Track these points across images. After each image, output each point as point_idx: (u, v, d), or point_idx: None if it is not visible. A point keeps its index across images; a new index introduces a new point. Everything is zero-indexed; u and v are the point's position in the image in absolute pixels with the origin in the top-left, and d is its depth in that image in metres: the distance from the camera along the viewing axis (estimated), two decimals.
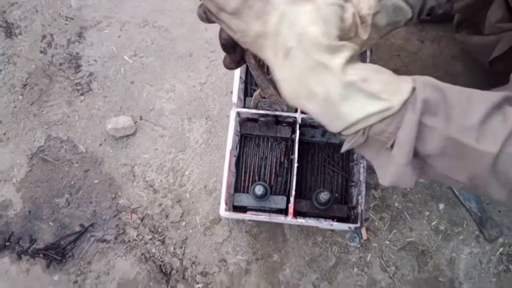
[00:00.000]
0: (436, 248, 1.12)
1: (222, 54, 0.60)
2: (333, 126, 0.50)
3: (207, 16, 0.54)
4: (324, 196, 0.87)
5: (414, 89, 0.48)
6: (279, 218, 0.86)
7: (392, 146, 0.50)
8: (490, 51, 0.88)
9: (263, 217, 0.86)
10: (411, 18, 0.68)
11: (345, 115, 0.48)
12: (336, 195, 0.95)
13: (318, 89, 0.47)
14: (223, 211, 0.84)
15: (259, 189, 0.87)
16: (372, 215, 1.13)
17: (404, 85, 0.48)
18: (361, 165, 0.87)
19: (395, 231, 1.13)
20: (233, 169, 0.92)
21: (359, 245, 1.12)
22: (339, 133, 0.51)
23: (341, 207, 0.91)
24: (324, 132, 0.96)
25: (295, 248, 1.12)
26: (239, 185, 0.95)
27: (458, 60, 1.24)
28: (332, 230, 1.12)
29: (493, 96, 0.49)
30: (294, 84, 0.49)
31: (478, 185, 0.52)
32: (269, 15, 0.49)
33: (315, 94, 0.48)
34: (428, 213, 1.14)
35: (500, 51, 0.84)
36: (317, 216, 0.88)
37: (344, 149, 0.53)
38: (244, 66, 0.98)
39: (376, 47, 1.26)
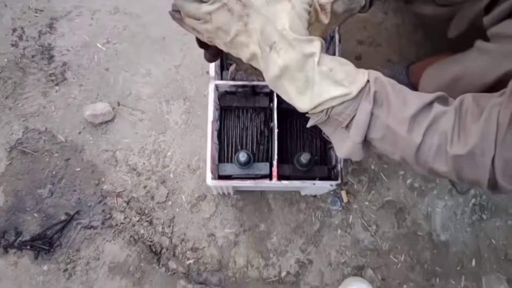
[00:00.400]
0: (412, 205, 1.18)
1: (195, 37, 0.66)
2: (304, 105, 0.60)
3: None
4: (305, 157, 0.91)
5: (368, 81, 0.58)
6: (264, 182, 0.89)
7: (347, 126, 0.60)
8: (446, 23, 0.92)
9: (248, 182, 0.88)
10: (364, 5, 0.78)
11: (315, 97, 0.58)
12: (316, 157, 0.98)
13: (299, 75, 0.57)
14: (209, 180, 0.86)
15: (242, 156, 0.90)
16: (350, 179, 1.18)
17: (361, 76, 0.59)
18: None
19: (373, 192, 1.18)
20: (216, 140, 0.95)
21: (340, 208, 1.17)
22: (306, 113, 0.61)
23: (322, 168, 0.95)
24: None
25: (280, 216, 1.16)
26: (222, 156, 0.98)
27: (420, 28, 1.30)
28: (314, 196, 1.17)
29: (427, 97, 0.59)
30: (278, 70, 0.58)
31: (408, 164, 0.63)
32: (249, 17, 0.57)
33: (296, 78, 0.58)
34: (402, 172, 1.20)
35: (458, 31, 0.87)
36: (300, 178, 0.92)
37: (309, 125, 0.64)
38: None
39: (345, 38, 1.31)
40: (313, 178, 0.93)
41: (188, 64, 1.25)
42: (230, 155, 0.98)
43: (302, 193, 1.15)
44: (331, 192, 1.17)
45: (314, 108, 0.60)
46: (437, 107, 0.58)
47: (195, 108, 1.22)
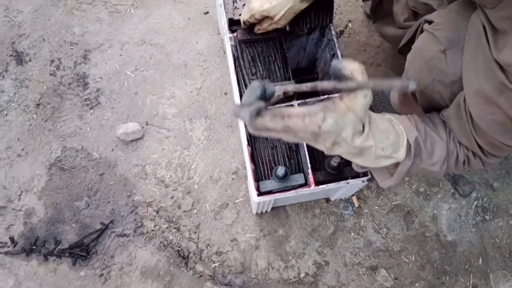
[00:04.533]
0: (419, 208, 1.27)
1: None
2: (357, 163, 0.75)
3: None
4: (335, 160, 1.00)
5: (407, 140, 0.72)
6: (304, 190, 0.97)
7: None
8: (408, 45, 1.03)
9: (290, 193, 0.97)
10: None
11: (368, 164, 0.72)
12: (343, 161, 1.08)
13: (356, 154, 0.69)
14: (255, 197, 0.96)
15: (280, 170, 0.99)
16: None
17: (401, 140, 0.72)
18: None
19: (382, 197, 1.28)
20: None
21: (352, 213, 1.26)
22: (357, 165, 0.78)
23: (350, 168, 1.05)
24: None
25: (297, 221, 1.25)
26: (259, 175, 1.08)
27: None
28: (328, 202, 1.27)
29: (446, 147, 0.78)
30: (337, 154, 0.69)
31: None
32: (319, 136, 0.63)
33: (353, 155, 0.69)
34: (408, 178, 1.30)
35: (405, 41, 1.01)
36: (332, 181, 1.01)
37: (355, 168, 0.83)
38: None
39: (345, 45, 1.46)
40: (345, 179, 1.02)
41: (208, 86, 1.39)
42: (266, 173, 1.08)
43: (332, 198, 1.24)
44: (343, 198, 1.27)
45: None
46: (451, 147, 0.78)
47: (215, 126, 1.35)
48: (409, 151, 0.73)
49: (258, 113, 0.59)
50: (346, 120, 0.61)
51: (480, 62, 0.68)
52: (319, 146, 0.66)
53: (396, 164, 0.76)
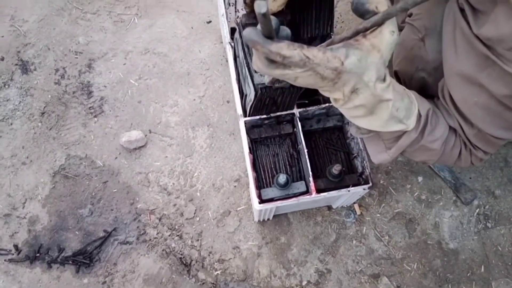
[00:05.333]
0: (421, 215, 1.28)
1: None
2: (361, 125, 0.68)
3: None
4: (336, 168, 1.01)
5: (419, 111, 0.71)
6: (305, 198, 0.98)
7: (386, 139, 0.75)
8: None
9: (291, 200, 0.98)
10: None
11: (375, 126, 0.66)
12: (344, 169, 1.09)
13: (369, 109, 0.62)
14: (257, 205, 0.97)
15: (282, 178, 1.00)
16: None
17: (413, 108, 0.69)
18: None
19: (383, 204, 1.29)
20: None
21: (354, 220, 1.27)
22: (358, 129, 0.74)
23: (351, 176, 1.06)
24: (319, 119, 1.13)
25: (299, 229, 1.26)
26: (261, 183, 1.09)
27: None
28: (329, 210, 1.27)
29: (447, 124, 0.77)
30: (352, 105, 0.61)
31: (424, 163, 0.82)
32: (340, 78, 0.55)
33: (365, 109, 0.62)
34: (409, 186, 1.30)
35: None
36: (334, 188, 1.01)
37: (353, 133, 0.77)
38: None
39: None
40: (346, 187, 1.02)
41: (211, 94, 1.40)
42: (267, 181, 1.09)
43: (334, 206, 1.24)
44: (345, 206, 1.28)
45: (370, 132, 0.72)
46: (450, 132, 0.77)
47: (218, 133, 1.36)
48: (418, 122, 0.71)
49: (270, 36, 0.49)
50: (370, 60, 0.55)
51: (459, 43, 0.67)
52: (337, 94, 0.58)
53: (397, 138, 0.74)
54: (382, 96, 0.60)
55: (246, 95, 1.00)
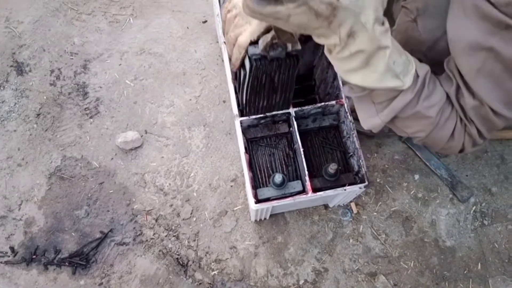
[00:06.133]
0: (417, 213, 1.28)
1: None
2: (353, 81, 0.64)
3: None
4: (332, 167, 1.00)
5: (416, 71, 0.69)
6: (302, 197, 0.97)
7: (379, 103, 0.72)
8: None
9: (287, 200, 0.98)
10: None
11: (369, 81, 0.63)
12: (340, 167, 1.09)
13: (365, 58, 0.60)
14: (253, 205, 0.97)
15: (278, 177, 1.00)
16: None
17: (411, 68, 0.67)
18: (353, 134, 1.02)
19: (380, 203, 1.29)
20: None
21: (351, 219, 1.27)
22: (351, 88, 0.71)
23: (347, 175, 1.06)
24: (315, 119, 1.13)
25: (296, 228, 1.26)
26: (257, 183, 1.09)
27: None
28: (326, 208, 1.27)
29: (444, 91, 0.75)
30: (347, 53, 0.58)
31: (415, 137, 0.78)
32: (335, 17, 0.53)
33: (360, 59, 0.60)
34: (406, 184, 1.30)
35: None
36: (330, 187, 1.01)
37: (345, 91, 0.74)
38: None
39: None
40: (342, 186, 1.01)
41: (207, 94, 1.40)
42: (263, 180, 1.09)
43: (331, 205, 1.24)
44: (341, 205, 1.28)
45: (364, 90, 0.68)
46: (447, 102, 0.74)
47: (214, 133, 1.36)
48: (415, 83, 0.68)
49: None
50: None
51: (469, 12, 0.66)
52: (332, 39, 0.56)
53: (391, 99, 0.71)
54: (380, 41, 0.57)
55: (241, 77, 0.97)
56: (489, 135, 0.76)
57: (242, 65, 0.88)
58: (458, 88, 0.73)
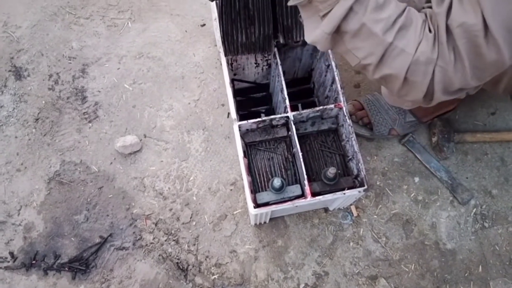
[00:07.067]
0: (418, 216, 1.27)
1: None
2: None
3: None
4: (331, 171, 1.00)
5: None
6: (301, 201, 0.97)
7: (324, 15, 0.66)
8: None
9: (286, 204, 0.97)
10: None
11: None
12: (339, 171, 1.08)
13: None
14: (252, 210, 0.96)
15: (277, 181, 0.99)
16: None
17: None
18: (352, 138, 1.02)
19: (380, 206, 1.28)
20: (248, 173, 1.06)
21: (351, 222, 1.26)
22: None
23: (347, 179, 1.05)
24: (313, 122, 1.12)
25: (296, 232, 1.25)
26: (256, 187, 1.09)
27: None
28: (326, 212, 1.27)
29: (402, 4, 0.67)
30: None
31: (367, 64, 0.69)
32: None
33: None
34: (406, 186, 1.30)
35: None
36: (329, 192, 1.01)
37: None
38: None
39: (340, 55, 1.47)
40: (341, 190, 1.01)
41: (206, 98, 1.39)
42: (262, 185, 1.09)
43: (331, 208, 1.24)
44: (341, 208, 1.27)
45: None
46: (409, 14, 0.66)
47: (213, 137, 1.35)
48: None
49: None
50: None
51: None
52: None
53: (334, 4, 0.64)
54: None
55: (217, 6, 0.93)
56: (469, 73, 0.65)
57: None
58: (450, 6, 0.64)
